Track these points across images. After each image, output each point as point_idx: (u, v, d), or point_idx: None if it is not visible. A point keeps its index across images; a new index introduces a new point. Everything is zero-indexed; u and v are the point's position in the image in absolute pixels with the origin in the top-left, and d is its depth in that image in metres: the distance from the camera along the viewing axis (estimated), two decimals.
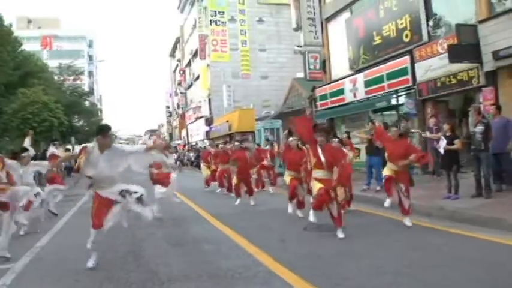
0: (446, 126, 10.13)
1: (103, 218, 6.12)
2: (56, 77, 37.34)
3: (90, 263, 6.10)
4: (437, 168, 12.64)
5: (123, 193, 6.28)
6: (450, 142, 9.75)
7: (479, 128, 9.50)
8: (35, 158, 11.27)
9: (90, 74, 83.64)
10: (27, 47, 34.51)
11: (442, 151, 9.92)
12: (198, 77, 53.21)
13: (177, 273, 5.81)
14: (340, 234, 7.15)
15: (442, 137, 10.05)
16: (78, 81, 41.92)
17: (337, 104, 19.93)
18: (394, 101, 16.72)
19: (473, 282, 4.80)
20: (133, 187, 6.41)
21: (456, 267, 5.35)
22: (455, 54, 12.26)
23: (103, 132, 6.39)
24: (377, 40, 17.12)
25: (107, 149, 6.28)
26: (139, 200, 6.33)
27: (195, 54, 52.10)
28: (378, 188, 11.97)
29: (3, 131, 22.84)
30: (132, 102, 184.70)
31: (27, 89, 21.49)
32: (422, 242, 6.88)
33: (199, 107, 53.17)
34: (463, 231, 7.33)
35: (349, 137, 15.63)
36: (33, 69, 27.53)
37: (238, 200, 12.11)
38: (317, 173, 7.46)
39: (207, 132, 49.00)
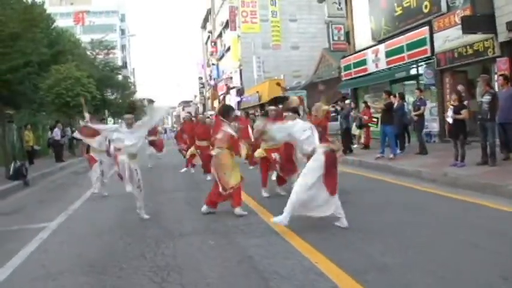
0: (453, 96, 10.42)
1: None
2: (88, 53, 38.36)
3: None
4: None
5: None
6: (457, 112, 10.07)
7: (486, 98, 9.76)
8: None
9: (123, 47, 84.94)
10: (60, 23, 35.46)
11: (450, 120, 10.25)
12: (229, 48, 53.49)
13: (188, 229, 6.66)
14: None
15: (450, 107, 10.37)
16: (111, 56, 42.75)
17: (360, 74, 20.21)
18: (413, 71, 16.94)
19: (452, 240, 5.34)
20: None
21: (440, 227, 5.89)
22: (468, 25, 12.39)
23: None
24: (398, 11, 17.22)
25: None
26: None
27: (225, 26, 52.29)
28: (391, 156, 12.37)
29: (39, 106, 24.04)
30: (166, 74, 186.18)
31: (61, 66, 22.55)
32: (416, 203, 7.47)
33: (231, 77, 53.74)
34: (462, 196, 7.77)
35: (367, 107, 16.10)
36: (66, 46, 28.53)
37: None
38: None
39: (238, 103, 49.56)
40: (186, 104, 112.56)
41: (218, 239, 6.00)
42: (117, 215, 8.12)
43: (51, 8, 41.14)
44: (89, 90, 23.26)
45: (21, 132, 19.90)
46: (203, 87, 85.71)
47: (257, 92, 41.13)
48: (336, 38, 22.49)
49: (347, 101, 18.08)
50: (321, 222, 6.23)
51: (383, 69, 18.28)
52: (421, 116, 13.18)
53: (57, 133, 20.59)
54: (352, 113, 16.86)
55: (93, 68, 33.68)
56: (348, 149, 14.40)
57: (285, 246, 5.48)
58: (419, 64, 16.56)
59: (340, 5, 21.79)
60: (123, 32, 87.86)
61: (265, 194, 8.84)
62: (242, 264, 4.93)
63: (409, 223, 6.17)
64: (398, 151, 12.96)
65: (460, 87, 12.81)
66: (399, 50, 16.94)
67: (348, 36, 21.76)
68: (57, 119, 23.92)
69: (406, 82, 17.63)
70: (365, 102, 17.13)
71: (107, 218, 7.74)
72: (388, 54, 17.68)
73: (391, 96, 13.38)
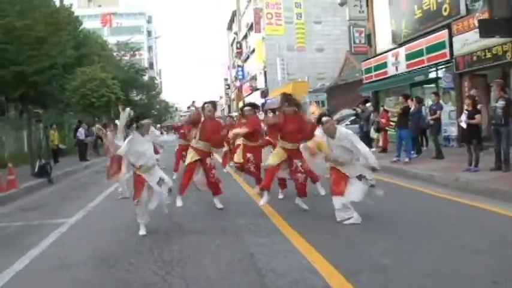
0: (467, 101, 10.44)
1: None
2: (114, 54, 39.12)
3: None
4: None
5: None
6: (471, 116, 10.10)
7: (500, 103, 9.73)
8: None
9: (150, 49, 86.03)
10: (88, 24, 36.30)
11: (463, 125, 10.28)
12: (253, 50, 53.75)
13: (198, 227, 6.98)
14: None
15: (465, 111, 10.40)
16: (137, 57, 43.46)
17: (380, 78, 20.23)
18: (433, 75, 16.90)
19: (454, 244, 5.47)
20: None
21: (444, 232, 5.98)
22: (486, 28, 12.30)
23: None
24: (418, 14, 17.20)
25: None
26: None
27: (250, 28, 52.59)
28: (407, 160, 12.42)
29: (66, 106, 24.75)
30: (192, 75, 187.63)
31: (86, 68, 23.18)
32: (425, 208, 7.58)
33: (255, 79, 53.99)
34: (471, 201, 7.81)
35: (385, 110, 16.14)
36: (93, 48, 29.25)
37: None
38: None
39: (263, 104, 49.77)
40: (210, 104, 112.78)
41: (226, 236, 6.25)
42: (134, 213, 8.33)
43: (79, 10, 42.07)
44: (113, 91, 23.85)
45: (47, 131, 20.51)
46: (228, 88, 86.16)
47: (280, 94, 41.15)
48: (357, 41, 22.52)
49: (368, 104, 18.11)
50: (327, 223, 6.50)
51: (403, 73, 18.28)
52: (438, 120, 13.19)
53: (81, 133, 21.14)
54: (371, 117, 16.91)
55: (119, 69, 34.40)
56: None
57: (287, 246, 5.68)
58: (439, 67, 16.50)
59: (361, 8, 21.86)
60: (149, 33, 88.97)
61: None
62: (243, 261, 5.16)
63: (414, 226, 6.30)
64: (414, 155, 12.99)
65: (473, 92, 12.80)
66: (419, 53, 16.92)
67: (369, 38, 21.79)
68: (82, 118, 24.53)
69: (426, 85, 17.59)
70: (383, 106, 17.17)
71: (125, 215, 8.00)
72: (408, 57, 17.67)
73: (408, 100, 13.43)
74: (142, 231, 6.60)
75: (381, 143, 16.33)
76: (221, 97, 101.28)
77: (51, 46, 14.37)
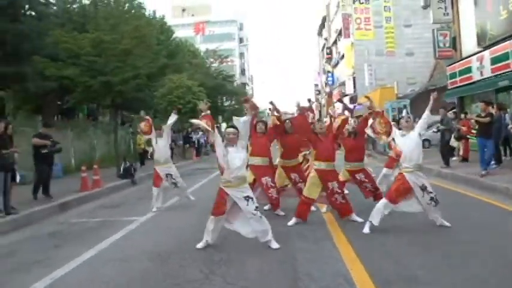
0: None
1: None
2: (207, 62, 40.66)
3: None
4: None
5: None
6: None
7: None
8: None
9: (241, 55, 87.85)
10: (181, 33, 37.96)
11: None
12: (343, 56, 53.50)
13: None
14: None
15: None
16: (229, 63, 44.70)
17: (465, 83, 19.45)
18: None
19: (504, 264, 5.33)
20: None
21: (498, 250, 5.81)
22: None
23: None
24: (503, 14, 16.26)
25: None
26: None
27: (339, 33, 52.34)
28: (483, 172, 11.45)
29: (155, 112, 26.23)
30: (282, 81, 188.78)
31: (174, 75, 24.51)
32: (489, 222, 7.29)
33: (344, 85, 53.66)
34: None
35: (466, 118, 15.55)
36: (185, 56, 30.63)
37: None
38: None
39: (352, 110, 49.24)
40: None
41: (277, 240, 6.32)
42: (202, 213, 8.10)
43: (174, 19, 44.05)
44: (199, 98, 24.84)
45: (135, 136, 21.87)
46: (319, 93, 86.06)
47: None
48: (441, 44, 21.71)
49: (450, 112, 17.42)
50: (380, 233, 6.53)
51: (487, 78, 17.47)
52: None
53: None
54: (452, 125, 16.33)
55: (208, 76, 35.68)
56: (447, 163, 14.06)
57: (331, 252, 5.83)
58: None
59: (446, 10, 21.08)
60: (241, 40, 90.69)
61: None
62: (283, 265, 5.41)
63: (468, 242, 6.06)
64: (493, 166, 12.26)
65: None
66: (504, 57, 16.01)
67: (455, 42, 20.95)
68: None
69: None
70: (465, 113, 16.52)
71: (193, 213, 8.69)
72: (493, 61, 16.78)
73: (489, 107, 12.83)
74: (200, 244, 6.27)
75: (461, 152, 15.74)
76: (313, 102, 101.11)
77: (136, 58, 15.48)
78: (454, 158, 15.57)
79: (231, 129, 6.14)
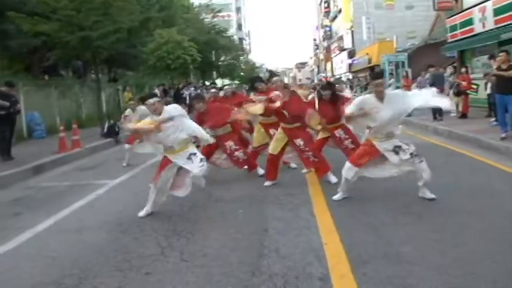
0: None
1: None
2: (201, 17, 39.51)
3: None
4: None
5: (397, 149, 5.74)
6: None
7: None
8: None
9: (238, 10, 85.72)
10: None
11: None
12: (341, 10, 52.29)
13: (228, 196, 6.73)
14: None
15: None
16: (226, 18, 43.64)
17: (466, 36, 18.58)
18: None
19: (495, 239, 4.70)
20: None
21: (495, 222, 5.16)
22: None
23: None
24: None
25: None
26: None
27: None
28: (503, 135, 9.68)
29: (146, 68, 25.40)
30: (281, 36, 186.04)
31: (163, 30, 23.57)
32: (489, 188, 6.47)
33: (342, 39, 52.62)
34: None
35: (466, 72, 14.85)
36: (178, 10, 29.61)
37: None
38: None
39: (350, 65, 48.56)
40: (301, 65, 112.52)
41: (250, 207, 5.97)
42: None
43: None
44: (189, 54, 24.04)
45: (120, 93, 21.13)
46: (317, 48, 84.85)
47: (366, 54, 39.87)
48: None
49: (450, 66, 16.58)
50: (365, 199, 5.95)
51: (490, 30, 16.60)
52: None
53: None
54: (450, 79, 15.61)
55: (201, 31, 34.57)
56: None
57: (307, 222, 5.25)
58: None
59: None
60: None
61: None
62: (251, 237, 4.85)
63: (465, 211, 5.29)
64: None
65: None
66: (508, 8, 15.06)
67: None
68: (162, 81, 25.00)
69: None
70: (466, 67, 15.74)
71: None
72: (496, 12, 15.91)
73: (491, 60, 11.96)
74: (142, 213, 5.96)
75: (460, 108, 15.09)
76: (311, 57, 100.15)
77: (116, 11, 14.59)
78: (453, 114, 14.93)
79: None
